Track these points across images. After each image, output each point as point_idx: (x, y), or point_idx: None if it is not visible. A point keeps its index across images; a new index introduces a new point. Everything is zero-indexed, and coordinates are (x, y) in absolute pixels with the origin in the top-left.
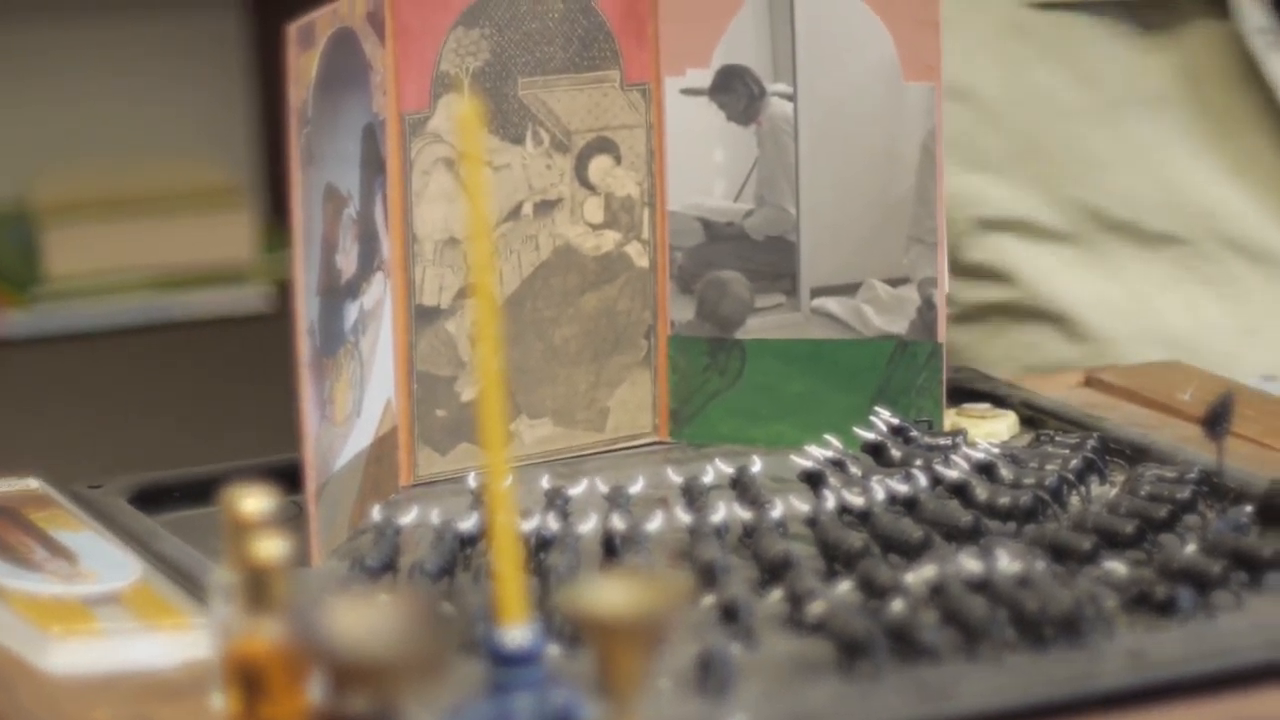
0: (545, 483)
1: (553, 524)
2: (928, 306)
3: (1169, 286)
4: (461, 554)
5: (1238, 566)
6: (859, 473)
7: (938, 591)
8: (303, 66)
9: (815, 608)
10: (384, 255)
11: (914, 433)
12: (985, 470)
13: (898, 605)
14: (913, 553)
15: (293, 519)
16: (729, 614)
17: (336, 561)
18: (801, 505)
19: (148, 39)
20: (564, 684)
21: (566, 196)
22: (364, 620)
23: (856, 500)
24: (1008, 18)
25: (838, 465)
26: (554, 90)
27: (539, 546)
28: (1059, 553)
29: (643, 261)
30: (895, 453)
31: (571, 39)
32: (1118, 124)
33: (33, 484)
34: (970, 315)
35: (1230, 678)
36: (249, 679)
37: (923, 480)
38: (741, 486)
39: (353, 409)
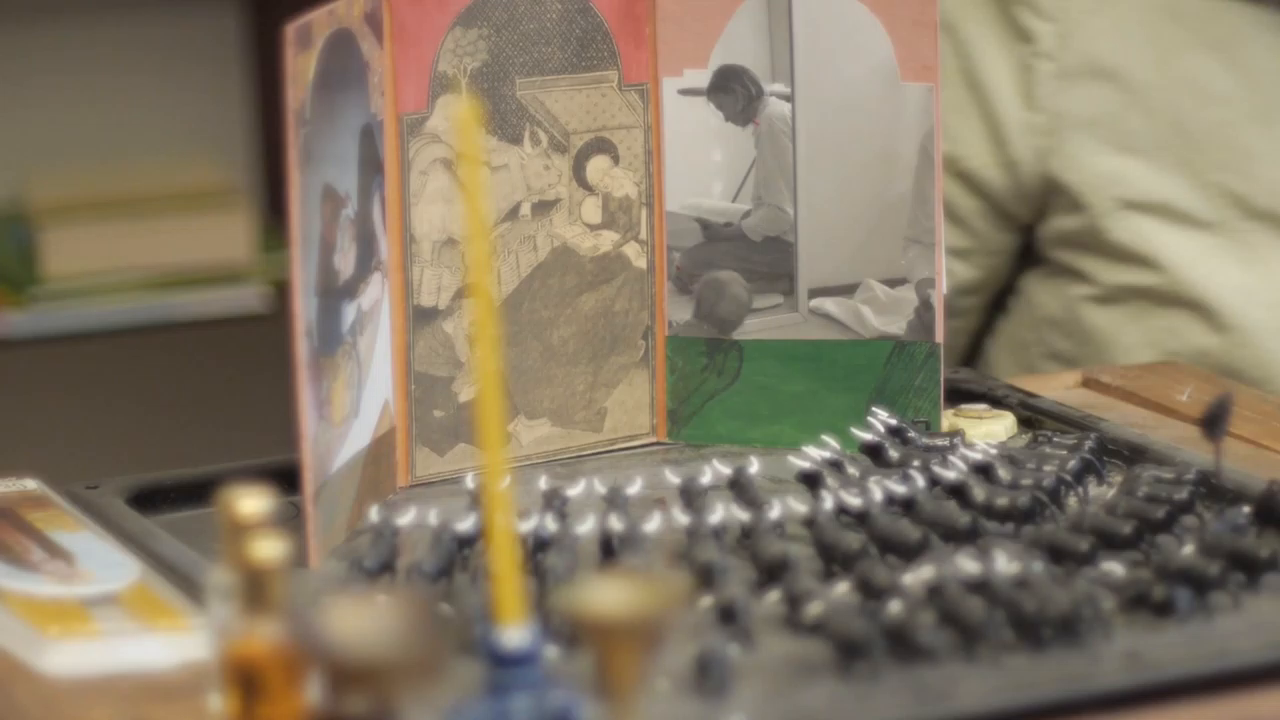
0: (543, 483)
1: (551, 525)
2: (925, 307)
3: None
4: (459, 555)
5: (1235, 567)
6: (857, 473)
7: (936, 592)
8: (300, 67)
9: (813, 608)
10: (382, 256)
11: (912, 433)
12: (983, 471)
13: (895, 606)
14: (910, 553)
15: (290, 520)
16: (727, 615)
17: (334, 562)
18: (799, 506)
19: (146, 40)
20: (562, 684)
21: (564, 197)
22: (362, 621)
23: (854, 501)
24: (1162, 1)
25: (835, 466)
26: (552, 91)
27: (537, 547)
28: (1057, 553)
29: (640, 262)
30: (893, 453)
31: (569, 39)
32: (1268, 114)
33: (30, 484)
34: (1111, 297)
35: (1228, 678)
36: (247, 680)
37: (920, 481)
38: (739, 487)
39: (350, 409)
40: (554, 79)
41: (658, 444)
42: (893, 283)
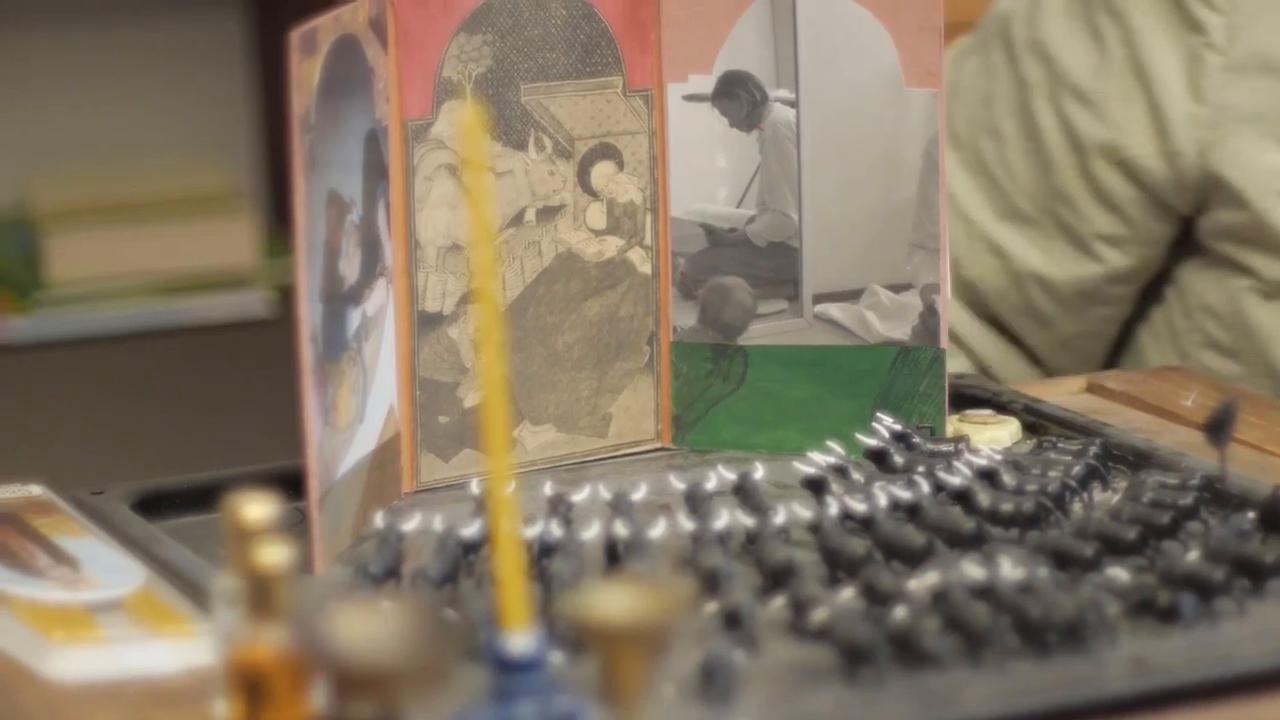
0: (548, 489)
1: (556, 530)
2: (930, 312)
3: None
4: (464, 560)
5: (1240, 573)
6: (861, 479)
7: (940, 598)
8: (305, 73)
9: (818, 614)
10: (386, 261)
11: (916, 439)
12: (988, 477)
13: (900, 612)
14: (915, 559)
15: (295, 525)
16: (732, 621)
17: (339, 568)
18: (804, 512)
19: (150, 44)
20: (567, 690)
21: (569, 203)
22: (367, 627)
23: (859, 507)
24: None
25: (840, 472)
26: (556, 96)
27: (542, 553)
28: (1061, 559)
29: (645, 267)
30: (898, 459)
31: (574, 45)
32: None
33: (35, 490)
34: (1276, 293)
35: (1233, 684)
36: (252, 686)
37: (925, 487)
38: (744, 493)
39: (355, 415)
40: (558, 85)
41: (662, 449)
42: (897, 288)
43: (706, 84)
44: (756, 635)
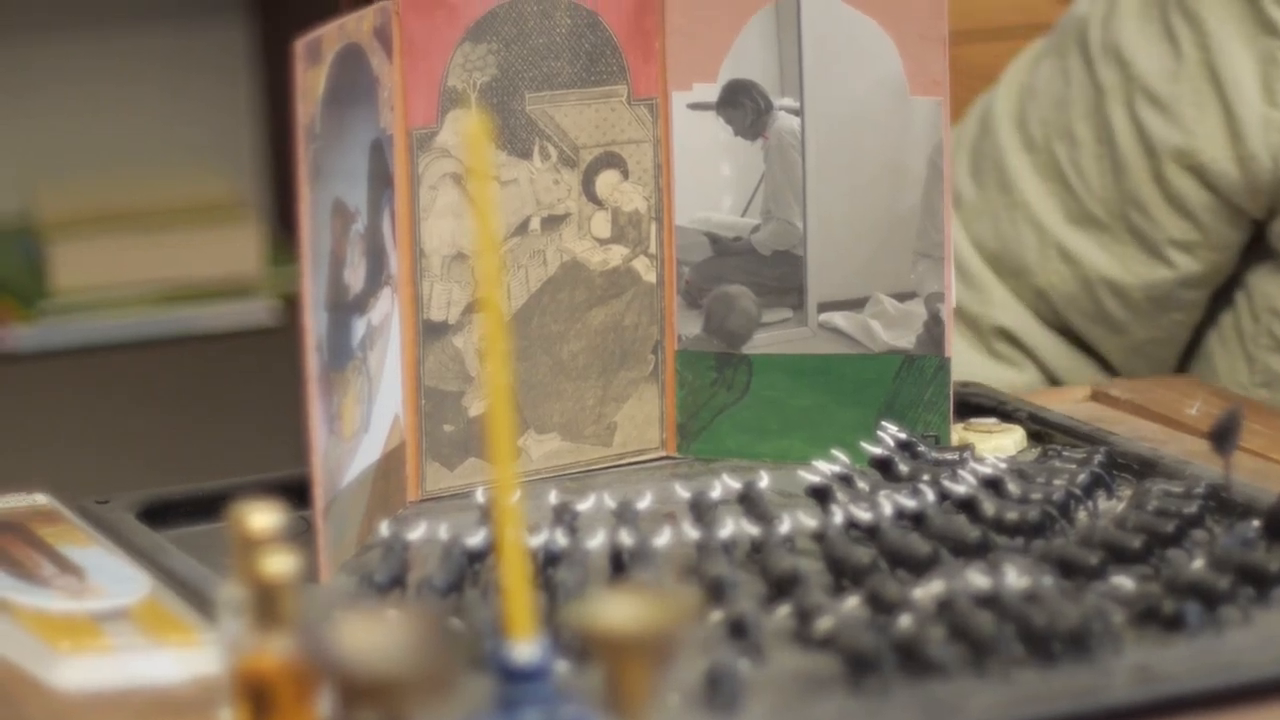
0: (553, 498)
1: (561, 539)
2: (935, 321)
3: None
4: (470, 569)
5: (1245, 581)
6: (866, 488)
7: (946, 607)
8: (310, 82)
9: (823, 623)
10: (391, 270)
11: (921, 448)
12: (993, 485)
13: (906, 620)
14: (920, 568)
15: (301, 534)
16: (737, 629)
17: (345, 577)
18: (809, 520)
19: (154, 52)
20: (573, 700)
21: (574, 211)
22: (372, 636)
23: (864, 515)
24: None
25: (845, 480)
26: (561, 105)
27: (547, 562)
28: (1066, 568)
29: (650, 276)
30: (903, 468)
31: (579, 54)
32: None
33: (41, 499)
34: None
35: (1237, 693)
36: (258, 695)
37: (930, 495)
38: (749, 501)
39: (361, 424)
40: (563, 93)
41: (667, 458)
42: (902, 297)
43: (711, 92)
44: (761, 644)
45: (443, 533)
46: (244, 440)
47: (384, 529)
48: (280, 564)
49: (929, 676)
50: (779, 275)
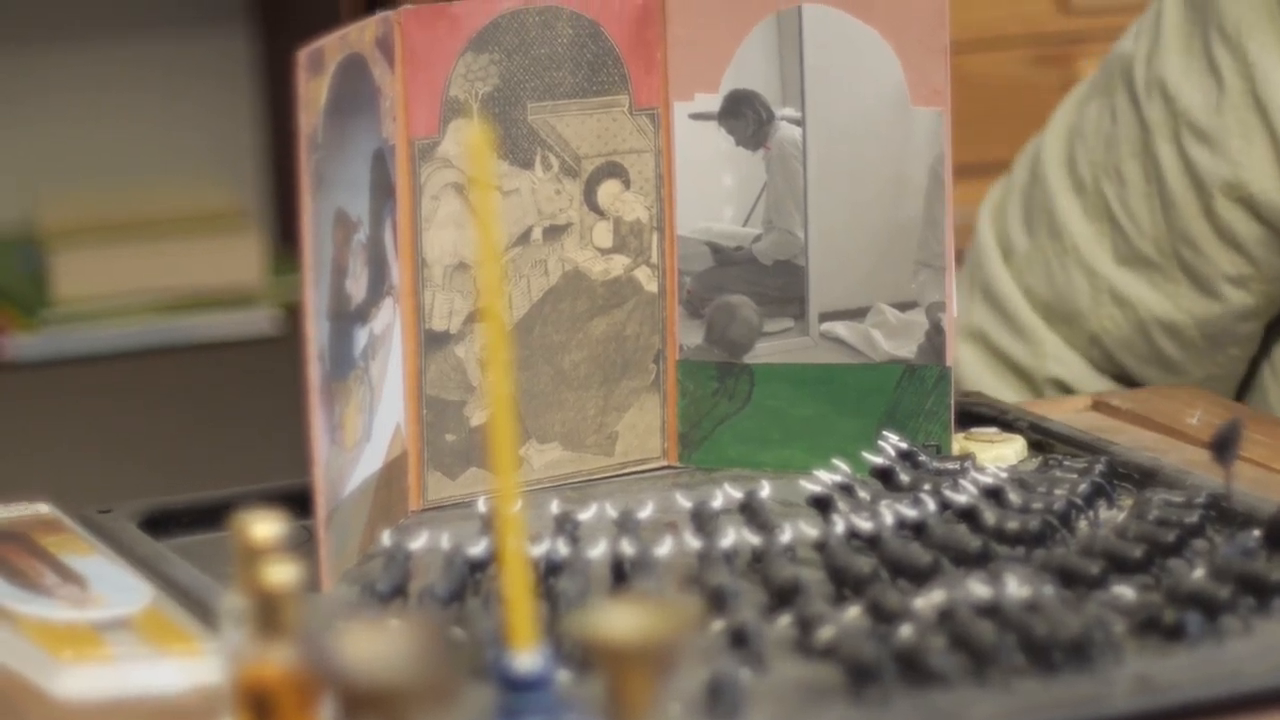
0: (554, 507)
1: (562, 549)
2: (936, 331)
3: None
4: (471, 579)
5: (1246, 591)
6: (867, 497)
7: (946, 616)
8: (313, 92)
9: (824, 633)
10: (393, 280)
11: (922, 457)
12: (993, 495)
13: (907, 630)
14: (921, 577)
15: (303, 544)
16: (738, 639)
17: (346, 586)
18: (810, 530)
19: (156, 62)
20: (574, 709)
21: (575, 221)
22: (374, 645)
23: (865, 525)
24: None
25: (846, 490)
26: (563, 115)
27: (549, 571)
28: (1067, 577)
29: (651, 286)
30: (904, 477)
31: (580, 64)
32: None
33: (42, 509)
34: None
35: (1238, 702)
36: (259, 704)
37: (931, 505)
38: (750, 511)
39: (363, 434)
40: (565, 103)
41: (669, 468)
42: (903, 306)
43: (713, 103)
44: (763, 654)
45: (444, 542)
46: (246, 449)
47: (386, 538)
48: (282, 573)
49: (930, 686)
50: (780, 285)
